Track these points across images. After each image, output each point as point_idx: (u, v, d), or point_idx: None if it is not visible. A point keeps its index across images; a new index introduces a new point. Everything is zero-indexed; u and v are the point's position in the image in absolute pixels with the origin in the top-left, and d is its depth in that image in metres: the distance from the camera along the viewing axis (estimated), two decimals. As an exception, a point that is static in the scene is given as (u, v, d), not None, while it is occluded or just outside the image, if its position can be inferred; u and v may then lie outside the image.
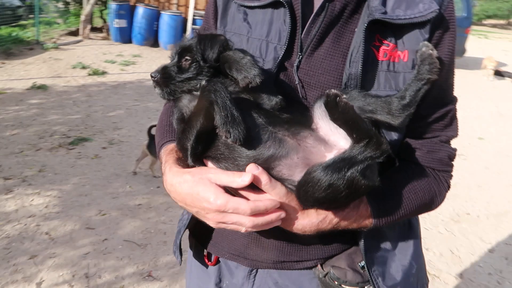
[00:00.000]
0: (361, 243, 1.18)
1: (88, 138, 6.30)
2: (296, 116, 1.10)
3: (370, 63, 1.12)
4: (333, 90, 0.98)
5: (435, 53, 1.08)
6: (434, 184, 1.22)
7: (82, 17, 13.57)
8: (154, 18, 13.19)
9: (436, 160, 1.22)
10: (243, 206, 0.98)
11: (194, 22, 12.89)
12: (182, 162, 1.13)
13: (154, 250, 3.87)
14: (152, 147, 5.07)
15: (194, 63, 1.14)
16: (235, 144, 0.97)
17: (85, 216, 4.30)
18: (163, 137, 1.33)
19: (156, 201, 4.74)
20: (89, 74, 9.80)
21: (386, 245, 1.24)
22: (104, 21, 14.72)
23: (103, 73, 10.03)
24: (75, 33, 13.78)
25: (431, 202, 1.23)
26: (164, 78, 1.14)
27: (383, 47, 1.14)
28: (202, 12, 12.86)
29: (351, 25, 1.17)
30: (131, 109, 7.87)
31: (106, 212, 4.41)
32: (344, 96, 0.96)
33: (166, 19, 12.93)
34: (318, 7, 1.15)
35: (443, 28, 1.14)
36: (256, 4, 1.24)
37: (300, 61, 1.18)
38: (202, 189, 1.01)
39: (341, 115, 0.97)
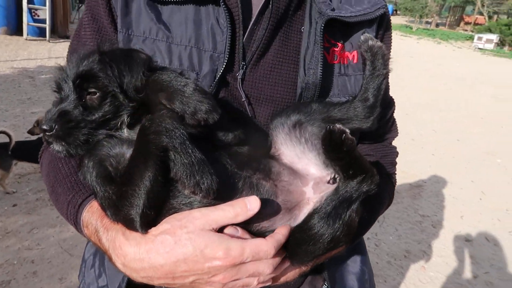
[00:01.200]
0: (325, 271, 1.09)
1: None
2: (255, 145, 0.90)
3: (324, 68, 0.97)
4: (337, 126, 0.81)
5: (381, 44, 0.99)
6: (390, 188, 1.18)
7: None
8: (-25, -5, 10.87)
9: (389, 164, 1.16)
10: (265, 246, 0.76)
11: (30, 1, 11.02)
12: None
13: (22, 285, 3.19)
14: (2, 158, 4.17)
15: (106, 97, 0.81)
16: (206, 198, 0.74)
17: None
18: (72, 191, 0.93)
19: (14, 223, 3.91)
20: None
21: (341, 259, 1.17)
22: None
23: None
24: None
25: (388, 206, 1.20)
26: (67, 128, 0.79)
27: (333, 48, 1.01)
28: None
29: (296, 24, 0.99)
30: (-40, 110, 6.37)
31: None
32: (348, 130, 0.80)
33: (-8, -4, 10.77)
34: (261, 4, 0.93)
35: (384, 27, 1.06)
36: None
37: (244, 73, 0.96)
38: (201, 245, 0.74)
39: (343, 154, 0.80)
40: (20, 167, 4.73)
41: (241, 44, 0.95)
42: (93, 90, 0.82)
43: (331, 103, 0.98)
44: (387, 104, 1.14)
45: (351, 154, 0.83)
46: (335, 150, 0.83)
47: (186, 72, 0.93)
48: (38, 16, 11.26)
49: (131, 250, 0.78)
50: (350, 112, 0.95)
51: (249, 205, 0.78)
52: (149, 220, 0.77)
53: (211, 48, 0.94)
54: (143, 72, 0.80)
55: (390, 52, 1.08)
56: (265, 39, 0.95)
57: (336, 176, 0.88)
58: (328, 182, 0.90)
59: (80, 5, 15.74)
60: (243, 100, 0.97)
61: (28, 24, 11.04)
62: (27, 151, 4.47)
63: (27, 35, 11.10)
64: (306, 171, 0.92)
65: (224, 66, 0.93)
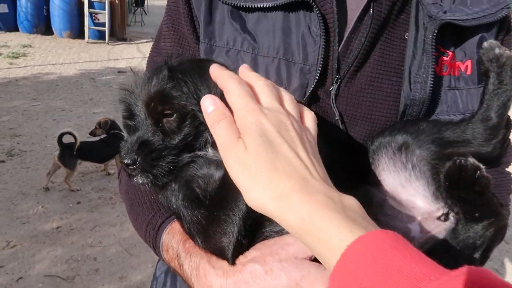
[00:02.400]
0: None
1: (-22, 151, 5.25)
2: (352, 169, 0.80)
3: (433, 81, 0.85)
4: (470, 160, 0.69)
5: (511, 53, 0.84)
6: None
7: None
8: (42, 2, 11.59)
9: (505, 194, 1.00)
10: None
11: (91, 5, 11.58)
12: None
13: (85, 282, 3.31)
14: (66, 158, 4.38)
15: (185, 117, 0.73)
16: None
17: (-12, 252, 3.52)
18: (151, 210, 0.87)
19: (78, 220, 4.08)
20: (-31, 71, 8.27)
21: None
22: (-20, 6, 12.55)
23: (-13, 68, 8.54)
24: None
25: (499, 243, 1.03)
26: (151, 159, 0.72)
27: (443, 58, 0.88)
28: (100, -6, 11.67)
29: (399, 31, 0.87)
30: (30, 110, 6.77)
31: (16, 243, 3.66)
32: (483, 167, 0.68)
33: (57, 3, 11.40)
34: (361, 10, 0.82)
35: (504, 30, 0.91)
36: (260, 4, 0.85)
37: (338, 87, 0.85)
38: (296, 277, 0.65)
39: (473, 195, 0.68)
40: (83, 166, 4.93)
41: (335, 54, 0.85)
42: (169, 112, 0.73)
43: (442, 122, 0.85)
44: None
45: (484, 196, 0.70)
46: (463, 188, 0.71)
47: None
48: (98, 20, 11.81)
49: (217, 281, 0.69)
50: (467, 133, 0.82)
51: None
52: (240, 250, 0.70)
53: (302, 59, 0.85)
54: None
55: None
56: (364, 49, 0.84)
57: (449, 212, 0.76)
58: (439, 219, 0.78)
59: (136, 8, 16.34)
60: (336, 118, 0.87)
61: (89, 28, 11.61)
62: (90, 151, 4.66)
63: (89, 38, 11.67)
64: (411, 203, 0.80)
65: (316, 80, 0.84)
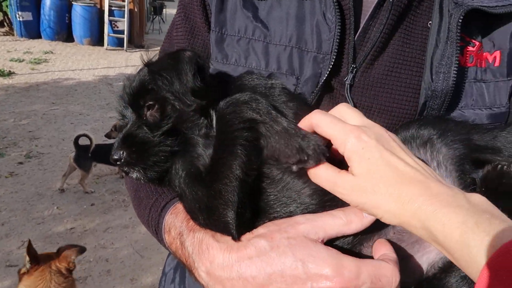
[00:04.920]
0: None
1: (-2, 152, 5.39)
2: None
3: (457, 72, 0.80)
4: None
5: None
6: None
7: (-23, 10, 11.81)
8: (65, 10, 11.88)
9: None
10: (388, 271, 0.62)
11: (111, 13, 11.83)
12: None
13: (97, 283, 3.33)
14: (81, 160, 4.44)
15: (165, 107, 0.74)
16: (319, 164, 0.63)
17: (4, 251, 3.58)
18: (155, 194, 0.86)
19: (91, 222, 4.12)
20: (-8, 76, 8.52)
21: None
22: (5, 14, 12.96)
23: (10, 73, 8.76)
24: (-31, 28, 11.97)
25: None
26: (137, 151, 0.73)
27: (468, 48, 0.83)
28: (119, 2, 11.91)
29: (421, 19, 0.84)
30: (49, 114, 6.92)
31: (31, 243, 3.72)
32: None
33: (78, 11, 11.71)
34: None
35: None
36: None
37: (354, 77, 0.82)
38: (303, 256, 0.61)
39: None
40: (98, 168, 5.00)
41: (351, 43, 0.82)
42: (150, 103, 0.75)
43: (471, 124, 0.80)
44: None
45: None
46: (503, 198, 0.65)
47: (277, 75, 0.83)
48: (118, 27, 12.04)
49: (220, 255, 0.66)
50: (498, 141, 0.76)
51: (365, 217, 0.65)
52: (245, 223, 0.67)
53: (315, 48, 0.82)
54: (193, 73, 0.71)
55: None
56: (382, 37, 0.80)
57: None
58: None
59: (154, 16, 16.63)
60: None
61: (108, 35, 11.85)
62: (105, 153, 4.70)
63: (107, 45, 11.91)
64: None
65: (329, 69, 0.81)
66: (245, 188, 0.65)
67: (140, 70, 0.78)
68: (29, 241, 2.19)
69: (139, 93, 0.76)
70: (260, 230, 0.67)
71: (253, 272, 0.63)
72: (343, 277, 0.60)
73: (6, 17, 12.37)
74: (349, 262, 0.62)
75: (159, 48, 1.11)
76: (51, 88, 8.23)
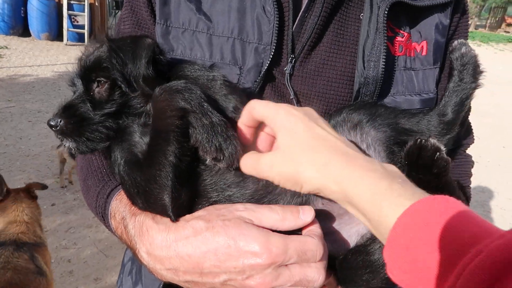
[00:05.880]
0: None
1: (-51, 153, 5.07)
2: None
3: (386, 61, 0.86)
4: (432, 141, 0.70)
5: (476, 53, 0.87)
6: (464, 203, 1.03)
7: None
8: (20, 3, 11.36)
9: (464, 176, 1.01)
10: (313, 245, 0.66)
11: (70, 7, 11.41)
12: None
13: (59, 284, 3.22)
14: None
15: (115, 87, 0.75)
16: (230, 167, 0.68)
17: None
18: (102, 181, 0.88)
19: (52, 222, 3.97)
20: None
21: None
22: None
23: (-40, 70, 8.30)
24: None
25: None
26: (74, 123, 0.74)
27: (397, 38, 0.89)
28: (79, -4, 11.51)
29: (354, 11, 0.88)
30: (4, 112, 6.60)
31: (-14, 246, 3.54)
32: (444, 149, 0.69)
33: (35, 4, 11.21)
34: None
35: (460, 11, 0.93)
36: None
37: (293, 67, 0.86)
38: (235, 235, 0.65)
39: (431, 177, 0.68)
40: (58, 167, 4.82)
41: (290, 34, 0.86)
42: (100, 79, 0.76)
43: (399, 109, 0.86)
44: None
45: (441, 179, 0.70)
46: (421, 170, 0.70)
47: (220, 65, 0.86)
48: (77, 22, 11.63)
49: (159, 236, 0.70)
50: (422, 124, 0.83)
51: (302, 213, 0.69)
52: (181, 206, 0.71)
53: (256, 39, 0.85)
54: (147, 60, 0.73)
55: (467, 39, 0.95)
56: (317, 28, 0.85)
57: None
58: None
59: (116, 11, 16.18)
60: (291, 97, 0.88)
61: (68, 30, 11.42)
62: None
63: (67, 40, 11.48)
64: None
65: (270, 59, 0.84)
66: (179, 172, 0.67)
67: (102, 45, 0.79)
68: (1, 176, 2.65)
69: (92, 67, 0.77)
70: (200, 212, 0.71)
71: (189, 251, 0.68)
72: (271, 253, 0.64)
73: (-45, 10, 11.65)
74: (276, 239, 0.66)
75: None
76: (7, 84, 7.85)
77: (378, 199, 0.55)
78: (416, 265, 0.48)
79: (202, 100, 0.68)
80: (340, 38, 0.88)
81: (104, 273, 3.37)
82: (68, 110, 0.76)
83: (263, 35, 0.85)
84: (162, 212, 0.71)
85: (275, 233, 0.67)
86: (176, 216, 0.70)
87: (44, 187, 2.89)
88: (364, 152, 0.78)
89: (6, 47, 10.26)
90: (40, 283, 2.27)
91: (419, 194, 0.54)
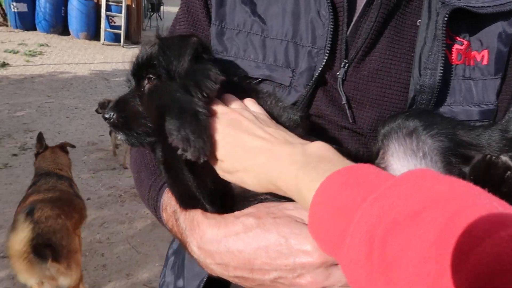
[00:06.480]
0: None
1: (-8, 144, 5.32)
2: (358, 156, 0.81)
3: (444, 69, 0.84)
4: (503, 158, 0.68)
5: None
6: None
7: (-29, -1, 11.65)
8: (61, 3, 11.80)
9: None
10: None
11: (108, 8, 11.76)
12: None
13: (92, 277, 3.31)
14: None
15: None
16: (198, 160, 0.66)
17: (-2, 243, 3.54)
18: (154, 174, 0.91)
19: (87, 216, 4.09)
20: (-14, 67, 8.41)
21: None
22: None
23: (4, 65, 8.68)
24: (-37, 17, 11.79)
25: None
26: (124, 118, 0.78)
27: (456, 46, 0.86)
28: (117, -3, 11.85)
29: (411, 17, 0.87)
30: (44, 107, 6.86)
31: (25, 235, 3.68)
32: None
33: (75, 4, 11.62)
34: None
35: None
36: None
37: (346, 72, 0.86)
38: (286, 233, 0.65)
39: (499, 195, 0.67)
40: (93, 163, 4.97)
41: (344, 39, 0.85)
42: (150, 76, 0.80)
43: (457, 120, 0.83)
44: None
45: (509, 198, 0.67)
46: (489, 187, 0.66)
47: (273, 68, 0.88)
48: (115, 22, 11.98)
49: (209, 230, 0.71)
50: (482, 138, 0.78)
51: None
52: (226, 206, 0.74)
53: (310, 43, 0.85)
54: (190, 58, 0.75)
55: None
56: (372, 33, 0.84)
57: None
58: None
59: (152, 13, 16.56)
60: (343, 103, 0.87)
61: (105, 30, 11.78)
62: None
63: (104, 40, 11.84)
64: None
65: (323, 63, 0.84)
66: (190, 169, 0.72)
67: (155, 44, 0.82)
68: (40, 133, 3.48)
69: (144, 65, 0.81)
70: (250, 209, 0.72)
71: (239, 247, 0.68)
72: (322, 253, 0.63)
73: (0, 8, 12.24)
74: None
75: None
76: (46, 81, 8.16)
77: (299, 189, 0.61)
78: (327, 234, 0.56)
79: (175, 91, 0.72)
80: (395, 44, 0.87)
81: (135, 269, 3.43)
82: (121, 105, 0.80)
83: (317, 39, 0.85)
84: (201, 207, 0.75)
85: None
86: (214, 207, 0.74)
87: (72, 146, 3.76)
88: (421, 161, 0.77)
89: (47, 45, 10.67)
90: (79, 202, 3.12)
91: (328, 171, 0.58)
